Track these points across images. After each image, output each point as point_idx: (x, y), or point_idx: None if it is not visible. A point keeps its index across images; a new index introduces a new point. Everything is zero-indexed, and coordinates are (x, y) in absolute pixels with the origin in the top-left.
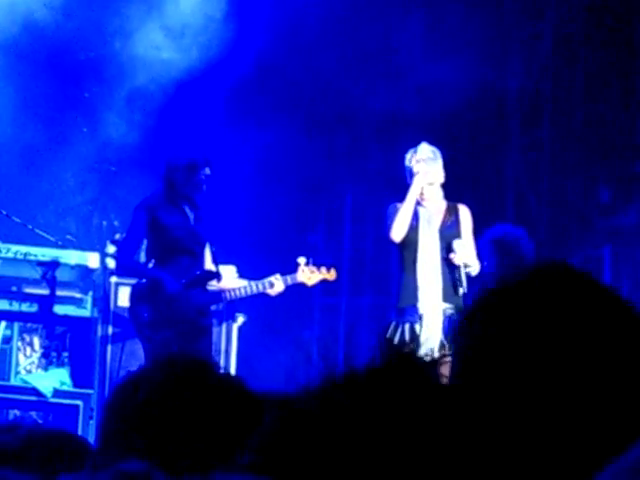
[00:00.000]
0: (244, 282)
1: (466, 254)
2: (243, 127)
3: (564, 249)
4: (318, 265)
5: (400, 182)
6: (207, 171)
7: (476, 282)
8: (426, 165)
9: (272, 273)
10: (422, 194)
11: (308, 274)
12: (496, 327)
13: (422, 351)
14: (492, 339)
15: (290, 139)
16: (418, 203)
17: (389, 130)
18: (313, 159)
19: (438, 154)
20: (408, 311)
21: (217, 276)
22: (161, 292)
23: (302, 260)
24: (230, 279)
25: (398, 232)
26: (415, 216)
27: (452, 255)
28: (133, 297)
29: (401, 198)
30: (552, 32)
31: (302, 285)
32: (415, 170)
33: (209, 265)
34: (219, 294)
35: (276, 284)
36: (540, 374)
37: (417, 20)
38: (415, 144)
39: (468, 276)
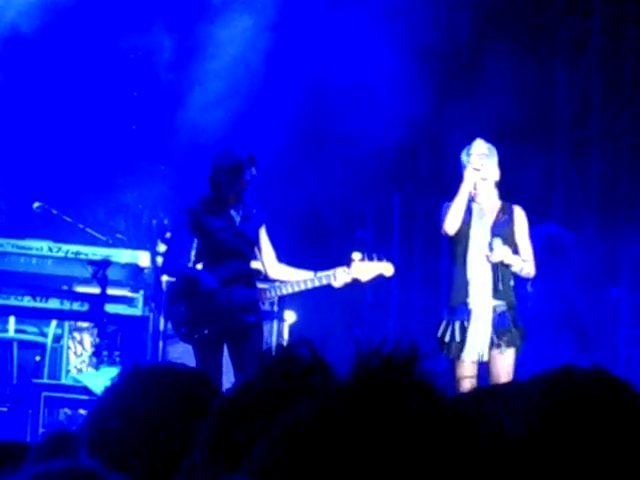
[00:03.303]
0: (310, 274)
1: (504, 253)
2: (291, 124)
3: (613, 247)
4: (371, 256)
5: (449, 180)
6: (253, 171)
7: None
8: (479, 159)
9: (322, 270)
10: (475, 189)
11: (363, 270)
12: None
13: (469, 347)
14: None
15: (339, 135)
16: (472, 199)
17: (438, 128)
18: (362, 156)
19: (494, 151)
20: (459, 309)
21: (258, 273)
22: (197, 289)
23: (357, 256)
24: (298, 272)
25: (451, 225)
26: (468, 211)
27: (488, 253)
28: (168, 296)
29: (450, 197)
30: (601, 29)
31: (356, 281)
32: (468, 164)
33: (258, 265)
34: (264, 291)
35: (339, 277)
36: None
37: (465, 19)
38: (464, 142)
39: (517, 276)
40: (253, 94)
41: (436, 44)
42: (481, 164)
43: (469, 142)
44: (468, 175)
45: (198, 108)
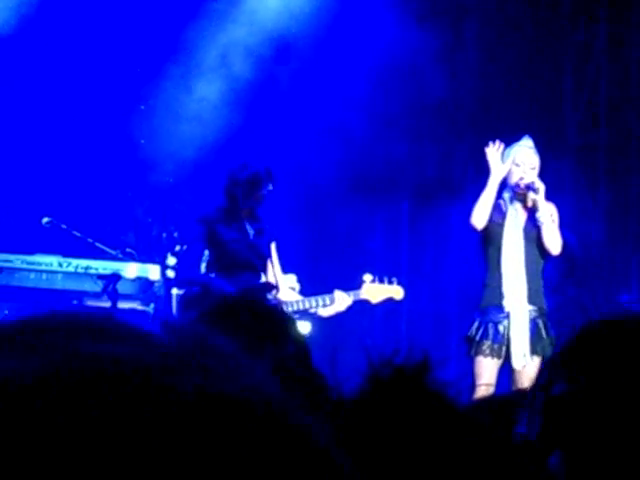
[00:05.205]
0: (298, 297)
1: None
2: (299, 136)
3: (622, 251)
4: (382, 278)
5: (457, 186)
6: (269, 186)
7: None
8: (526, 149)
9: (332, 281)
10: (522, 178)
11: (373, 292)
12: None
13: (515, 353)
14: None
15: (347, 145)
16: (515, 189)
17: (445, 136)
18: (370, 166)
19: (537, 155)
20: (491, 311)
21: (274, 288)
22: (210, 297)
23: (368, 277)
24: (288, 293)
25: (479, 217)
26: (500, 212)
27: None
28: (180, 305)
29: (457, 204)
30: (605, 34)
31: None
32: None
33: (271, 278)
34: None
35: (341, 298)
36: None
37: (472, 26)
38: (471, 150)
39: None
40: (258, 105)
41: (443, 52)
42: (528, 153)
43: (476, 148)
44: (494, 164)
45: (204, 121)
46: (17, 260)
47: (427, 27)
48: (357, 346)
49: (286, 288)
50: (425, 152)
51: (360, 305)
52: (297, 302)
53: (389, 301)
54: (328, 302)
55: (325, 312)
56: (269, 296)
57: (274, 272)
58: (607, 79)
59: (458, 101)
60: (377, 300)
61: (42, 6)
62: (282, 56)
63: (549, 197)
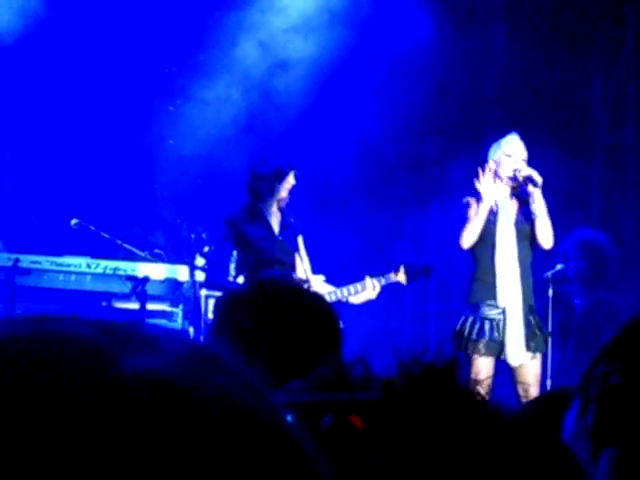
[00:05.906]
0: (330, 288)
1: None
2: (326, 135)
3: None
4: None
5: None
6: (292, 179)
7: (562, 281)
8: (514, 142)
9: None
10: (517, 170)
11: (404, 275)
12: None
13: (510, 350)
14: None
15: (374, 145)
16: (511, 181)
17: (471, 135)
18: (399, 166)
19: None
20: (484, 306)
21: (306, 282)
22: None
23: (402, 267)
24: (320, 285)
25: (467, 240)
26: (492, 211)
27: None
28: (216, 307)
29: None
30: (634, 33)
31: (398, 284)
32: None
33: (300, 273)
34: None
35: (371, 285)
36: None
37: (500, 23)
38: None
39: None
40: (285, 105)
41: (469, 50)
42: (517, 148)
43: None
44: (485, 191)
45: (232, 122)
46: (46, 261)
47: (454, 25)
48: (386, 346)
49: (317, 281)
50: (451, 151)
51: (389, 305)
52: (329, 293)
53: (420, 286)
54: (359, 289)
55: (356, 299)
56: None
57: (303, 266)
58: (635, 79)
59: (485, 101)
60: (410, 281)
61: (69, 5)
62: (305, 58)
63: (578, 197)
